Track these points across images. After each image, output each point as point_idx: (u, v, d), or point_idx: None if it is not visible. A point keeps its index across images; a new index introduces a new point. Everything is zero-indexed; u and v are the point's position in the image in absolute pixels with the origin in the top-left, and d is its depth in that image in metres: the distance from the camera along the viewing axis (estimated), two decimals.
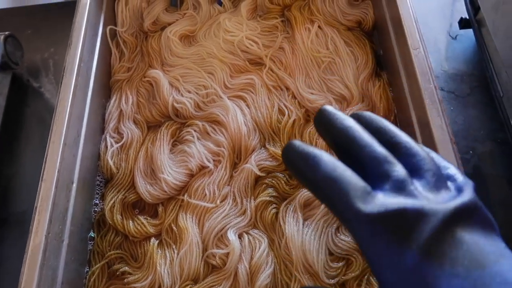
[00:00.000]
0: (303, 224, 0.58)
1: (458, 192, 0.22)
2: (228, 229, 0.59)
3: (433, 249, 0.19)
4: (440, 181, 0.22)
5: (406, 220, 0.20)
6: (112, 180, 0.65)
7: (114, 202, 0.63)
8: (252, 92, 0.69)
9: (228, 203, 0.61)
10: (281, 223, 0.58)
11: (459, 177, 0.24)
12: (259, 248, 0.57)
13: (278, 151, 0.64)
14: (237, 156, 0.65)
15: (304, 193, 0.60)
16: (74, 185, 0.60)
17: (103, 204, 0.64)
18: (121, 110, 0.70)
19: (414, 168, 0.23)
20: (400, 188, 0.21)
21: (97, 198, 0.65)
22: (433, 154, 0.25)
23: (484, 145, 0.78)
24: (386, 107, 0.65)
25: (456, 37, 0.93)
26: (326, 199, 0.22)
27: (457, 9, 0.96)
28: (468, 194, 0.21)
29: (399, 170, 0.22)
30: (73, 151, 0.60)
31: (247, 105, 0.68)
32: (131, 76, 0.74)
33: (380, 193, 0.21)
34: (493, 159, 0.77)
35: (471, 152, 0.77)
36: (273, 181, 0.62)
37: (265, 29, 0.75)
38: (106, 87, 0.73)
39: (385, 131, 0.24)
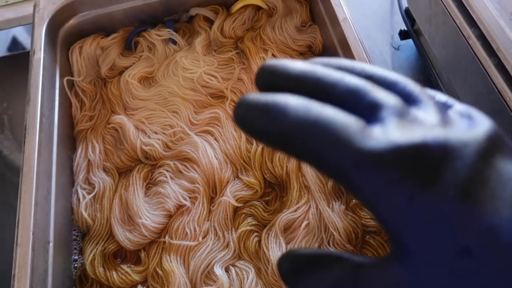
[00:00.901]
0: (286, 248, 0.60)
1: (470, 119, 0.17)
2: (214, 264, 0.59)
3: (478, 190, 0.15)
4: (440, 107, 0.18)
5: (431, 158, 0.15)
6: (89, 232, 0.64)
7: (94, 255, 0.62)
8: (218, 125, 0.71)
9: (211, 238, 0.62)
10: (265, 250, 0.60)
11: (456, 103, 0.19)
12: (247, 278, 0.58)
13: (251, 179, 0.66)
14: (213, 190, 0.66)
15: (283, 217, 0.62)
16: (51, 244, 0.58)
17: (82, 259, 0.63)
18: (89, 160, 0.70)
19: (404, 96, 0.18)
20: (401, 116, 0.16)
21: (75, 253, 0.64)
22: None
23: None
24: None
25: (398, 47, 1.00)
26: (309, 154, 0.16)
27: (396, 21, 1.04)
28: (486, 120, 0.17)
29: (389, 95, 0.17)
30: (45, 210, 0.59)
31: (215, 139, 0.70)
32: (95, 124, 0.73)
33: (378, 127, 0.16)
34: None
35: None
36: (251, 210, 0.64)
37: (222, 63, 0.77)
38: (71, 138, 0.72)
39: (349, 67, 0.19)
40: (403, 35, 0.96)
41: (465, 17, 0.58)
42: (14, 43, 1.05)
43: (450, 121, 0.17)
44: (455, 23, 0.61)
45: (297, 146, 0.16)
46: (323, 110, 0.15)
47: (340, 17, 0.67)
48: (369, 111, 0.16)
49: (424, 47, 0.89)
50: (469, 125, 0.17)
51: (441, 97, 0.19)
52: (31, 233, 0.54)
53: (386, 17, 1.07)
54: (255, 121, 0.16)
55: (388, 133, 0.15)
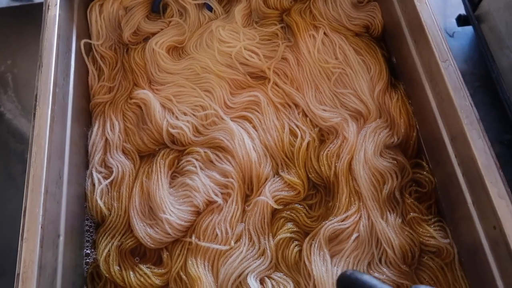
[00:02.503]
0: (331, 262, 0.52)
1: None
2: (247, 274, 0.52)
3: None
4: None
5: None
6: (103, 223, 0.56)
7: (109, 251, 0.54)
8: (258, 112, 0.61)
9: (244, 244, 0.53)
10: (306, 262, 0.52)
11: None
12: None
13: (294, 178, 0.57)
14: (248, 187, 0.57)
15: (329, 226, 0.53)
16: (61, 238, 0.50)
17: (95, 254, 0.55)
18: (106, 139, 0.61)
19: None
20: None
21: (87, 247, 0.56)
22: None
23: (492, 148, 0.75)
24: (407, 122, 0.60)
25: (453, 34, 0.88)
26: None
27: (452, 3, 0.92)
28: None
29: None
30: (56, 198, 0.51)
31: (254, 127, 0.60)
32: (114, 98, 0.64)
33: None
34: (501, 162, 0.74)
35: None
36: (292, 214, 0.55)
37: (264, 38, 0.67)
38: (86, 112, 0.63)
39: None
40: (462, 21, 0.85)
41: None
42: None
43: None
44: None
45: None
46: None
47: None
48: None
49: (487, 37, 0.78)
50: None
51: None
52: (40, 226, 0.46)
53: None
54: None
55: None
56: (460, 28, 0.88)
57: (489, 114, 0.78)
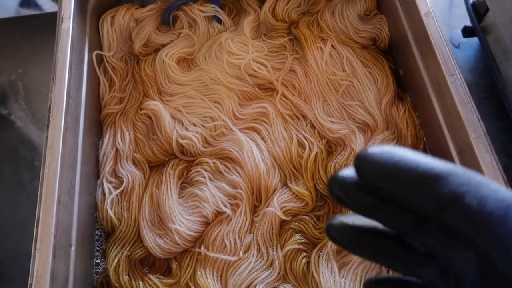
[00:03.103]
0: (339, 274, 0.52)
1: None
2: (256, 285, 0.52)
3: None
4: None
5: None
6: (114, 233, 0.57)
7: (119, 260, 0.55)
8: (266, 123, 0.62)
9: (253, 255, 0.54)
10: (314, 274, 0.52)
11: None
12: None
13: (302, 190, 0.57)
14: (257, 198, 0.58)
15: None
16: (73, 248, 0.51)
17: (105, 263, 0.56)
18: (117, 149, 0.61)
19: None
20: None
21: (97, 256, 0.56)
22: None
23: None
24: (414, 134, 0.60)
25: (459, 45, 0.89)
26: None
27: (456, 15, 0.93)
28: None
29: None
30: (68, 208, 0.51)
31: (262, 138, 0.61)
32: (125, 108, 0.65)
33: None
34: (508, 174, 0.74)
35: None
36: (300, 225, 0.56)
37: (273, 50, 0.68)
38: (97, 122, 0.64)
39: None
40: (468, 32, 0.85)
41: None
42: None
43: None
44: None
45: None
46: None
47: (422, 10, 0.57)
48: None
49: (492, 49, 0.78)
50: None
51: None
52: (53, 236, 0.47)
53: (445, 9, 0.96)
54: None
55: None
56: (465, 39, 0.89)
57: (494, 125, 0.78)
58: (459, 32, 0.87)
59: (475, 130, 0.49)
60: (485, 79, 0.83)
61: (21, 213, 0.69)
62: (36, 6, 0.94)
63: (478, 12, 0.81)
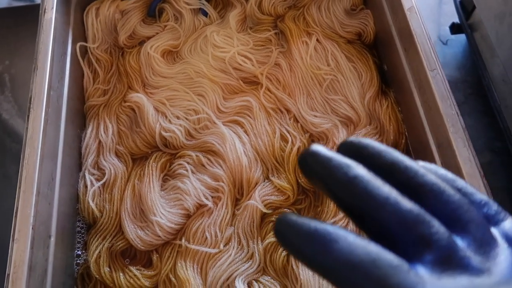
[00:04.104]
0: None
1: (510, 244, 0.18)
2: (235, 277, 0.52)
3: None
4: (485, 233, 0.18)
5: None
6: (95, 225, 0.57)
7: (99, 252, 0.55)
8: (250, 116, 0.62)
9: (233, 247, 0.54)
10: (294, 266, 0.53)
11: (503, 216, 0.19)
12: None
13: (284, 183, 0.58)
14: (239, 191, 0.58)
15: None
16: (52, 239, 0.51)
17: (86, 255, 0.56)
18: (99, 142, 0.61)
19: (452, 220, 0.17)
20: (448, 259, 0.16)
21: (78, 248, 0.56)
22: (460, 182, 0.19)
23: (483, 156, 0.75)
24: (396, 129, 0.60)
25: (447, 42, 0.89)
26: None
27: (445, 12, 0.93)
28: None
29: (439, 230, 0.17)
30: (48, 199, 0.51)
31: (245, 132, 0.61)
32: (109, 100, 0.65)
33: (422, 270, 0.16)
34: (492, 170, 0.75)
35: None
36: None
37: (258, 43, 0.68)
38: (80, 114, 0.64)
39: (400, 168, 0.18)
40: (455, 29, 0.86)
41: None
42: None
43: (492, 256, 0.17)
44: None
45: (337, 280, 0.16)
46: (366, 248, 0.15)
47: (406, 5, 0.57)
48: (415, 247, 0.16)
49: (479, 46, 0.79)
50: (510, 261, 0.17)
51: (491, 206, 0.19)
52: (31, 227, 0.47)
53: (434, 6, 0.96)
54: (296, 245, 0.16)
55: (434, 283, 0.15)
56: (454, 36, 0.89)
57: (480, 121, 0.79)
58: (447, 29, 0.87)
59: (454, 125, 0.49)
60: (472, 75, 0.83)
61: (7, 205, 0.69)
62: None
63: (465, 9, 0.81)
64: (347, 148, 0.19)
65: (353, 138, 0.19)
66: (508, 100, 0.70)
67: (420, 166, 0.18)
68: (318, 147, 0.18)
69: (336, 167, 0.17)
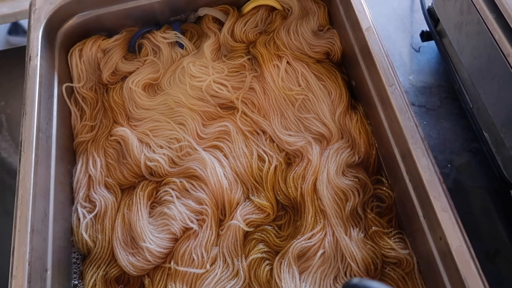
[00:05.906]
0: (299, 279, 0.56)
1: None
2: None
3: None
4: None
5: None
6: (89, 255, 0.60)
7: (95, 280, 0.58)
8: (228, 140, 0.66)
9: (219, 266, 0.58)
10: (277, 280, 0.56)
11: None
12: None
13: (263, 201, 0.61)
14: (222, 212, 0.62)
15: (297, 245, 0.57)
16: (49, 272, 0.54)
17: (83, 284, 0.59)
18: (89, 176, 0.65)
19: None
20: None
21: (75, 278, 0.60)
22: None
23: (461, 157, 0.78)
24: (367, 141, 0.64)
25: (419, 49, 0.93)
26: None
27: (417, 20, 0.97)
28: None
29: None
30: (43, 235, 0.55)
31: (225, 155, 0.65)
32: (96, 136, 0.69)
33: None
34: (471, 170, 0.77)
35: (449, 165, 0.77)
36: (263, 235, 0.60)
37: (232, 70, 0.72)
38: (70, 151, 0.68)
39: None
40: (425, 36, 0.90)
41: (506, 33, 0.52)
42: (15, 25, 0.99)
43: None
44: (493, 37, 0.55)
45: None
46: None
47: (363, 25, 0.61)
48: None
49: (448, 51, 0.82)
50: None
51: None
52: (27, 263, 0.50)
53: (406, 15, 1.00)
54: None
55: None
56: (425, 43, 0.92)
57: (457, 123, 0.82)
58: (419, 37, 0.91)
59: (413, 136, 0.53)
60: (446, 80, 0.87)
61: (9, 241, 0.73)
62: (25, 33, 0.98)
63: (433, 16, 0.84)
64: None
65: (356, 280, 0.23)
66: (479, 103, 0.73)
67: None
68: None
69: None
